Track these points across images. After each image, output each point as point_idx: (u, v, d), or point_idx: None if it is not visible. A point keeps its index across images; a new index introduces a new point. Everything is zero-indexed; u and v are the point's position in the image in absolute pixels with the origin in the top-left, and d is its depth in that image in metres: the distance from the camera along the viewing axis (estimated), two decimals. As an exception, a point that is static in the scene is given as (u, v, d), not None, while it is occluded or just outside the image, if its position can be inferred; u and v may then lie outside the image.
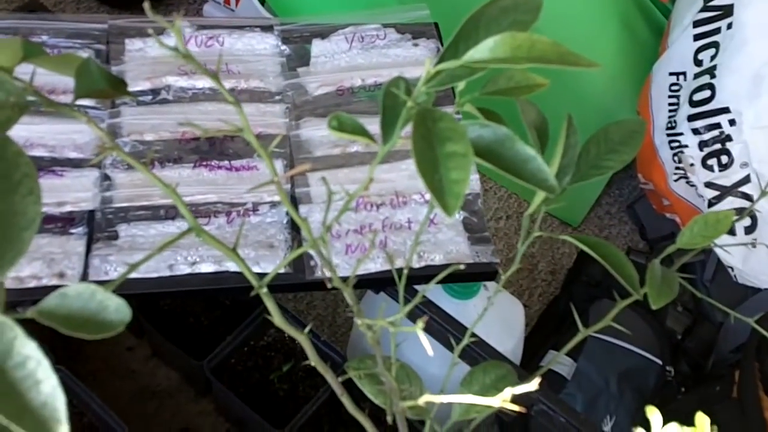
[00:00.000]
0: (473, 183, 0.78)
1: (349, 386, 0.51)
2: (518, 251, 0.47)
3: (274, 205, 0.76)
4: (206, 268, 0.70)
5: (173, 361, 1.00)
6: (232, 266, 0.70)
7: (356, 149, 0.80)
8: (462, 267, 0.51)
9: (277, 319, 0.45)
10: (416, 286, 0.77)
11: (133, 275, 0.69)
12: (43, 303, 0.33)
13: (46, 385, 0.28)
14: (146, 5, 0.37)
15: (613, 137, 0.46)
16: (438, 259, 0.73)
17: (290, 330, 0.46)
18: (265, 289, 0.44)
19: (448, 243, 0.74)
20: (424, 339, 0.40)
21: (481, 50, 0.31)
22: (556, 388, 0.94)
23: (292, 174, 0.79)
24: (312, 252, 0.72)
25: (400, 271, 0.73)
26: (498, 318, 0.88)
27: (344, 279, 0.72)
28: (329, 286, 0.46)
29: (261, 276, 0.72)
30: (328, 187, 0.42)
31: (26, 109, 0.37)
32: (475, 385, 0.53)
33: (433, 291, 0.80)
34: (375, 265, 0.71)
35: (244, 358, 0.93)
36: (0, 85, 0.36)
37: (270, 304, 0.45)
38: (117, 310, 0.33)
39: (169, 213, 0.74)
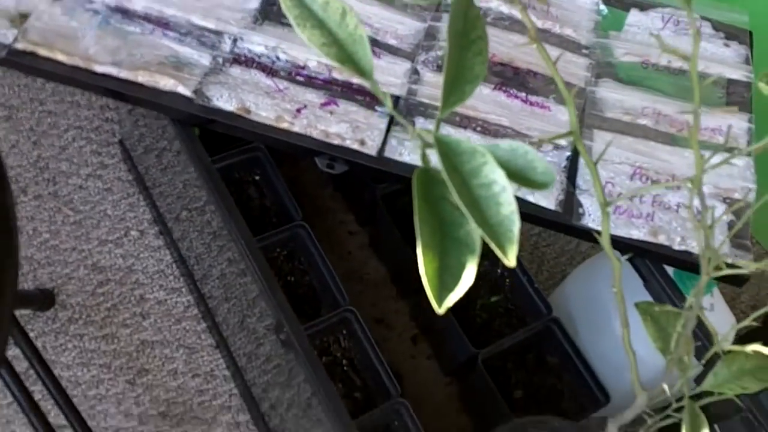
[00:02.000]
0: (748, 192, 0.79)
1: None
2: None
3: (557, 147, 0.79)
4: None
5: (386, 257, 1.06)
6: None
7: (645, 123, 0.82)
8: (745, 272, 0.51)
9: (605, 242, 0.49)
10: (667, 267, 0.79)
11: (406, 159, 0.76)
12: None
13: (506, 209, 0.33)
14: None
15: None
16: (697, 248, 0.74)
17: (610, 253, 0.49)
18: (609, 209, 0.47)
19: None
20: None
21: None
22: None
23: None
24: (583, 201, 0.76)
25: (659, 246, 0.76)
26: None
27: (610, 236, 0.75)
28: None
29: (533, 206, 0.76)
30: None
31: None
32: (734, 365, 0.55)
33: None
34: (639, 232, 0.74)
35: (456, 277, 0.98)
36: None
37: (605, 227, 0.48)
38: (544, 172, 0.37)
39: (462, 122, 0.79)
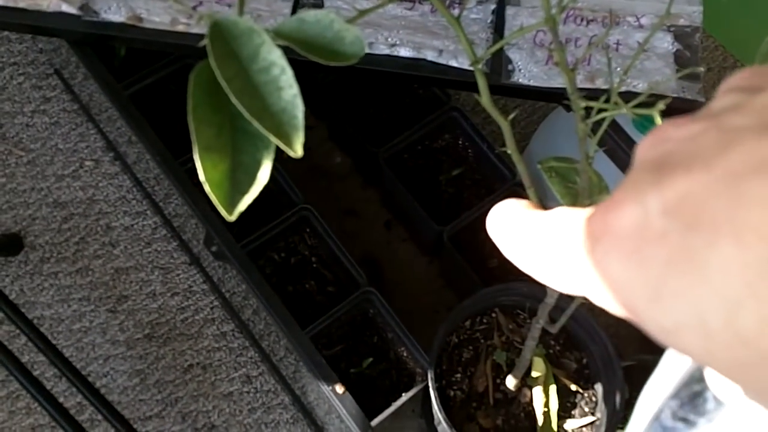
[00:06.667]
0: (695, 15, 0.73)
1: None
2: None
3: (481, 2, 0.73)
4: (404, 52, 0.69)
5: (348, 147, 1.03)
6: (429, 54, 0.69)
7: (576, -42, 0.75)
8: (661, 104, 0.47)
9: (485, 98, 0.45)
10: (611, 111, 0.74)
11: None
12: (281, 25, 0.34)
13: (288, 93, 0.29)
14: None
15: None
16: (641, 86, 0.69)
17: (495, 113, 0.45)
18: (480, 66, 0.43)
19: (655, 72, 0.70)
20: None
21: None
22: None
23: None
24: (512, 56, 0.71)
25: (598, 92, 0.70)
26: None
27: (543, 89, 0.71)
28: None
29: (457, 71, 0.71)
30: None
31: None
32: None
33: (619, 119, 0.77)
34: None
35: (416, 155, 0.94)
36: None
37: (481, 83, 0.44)
38: (352, 42, 0.33)
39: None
